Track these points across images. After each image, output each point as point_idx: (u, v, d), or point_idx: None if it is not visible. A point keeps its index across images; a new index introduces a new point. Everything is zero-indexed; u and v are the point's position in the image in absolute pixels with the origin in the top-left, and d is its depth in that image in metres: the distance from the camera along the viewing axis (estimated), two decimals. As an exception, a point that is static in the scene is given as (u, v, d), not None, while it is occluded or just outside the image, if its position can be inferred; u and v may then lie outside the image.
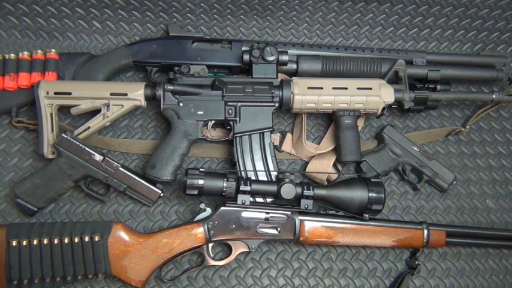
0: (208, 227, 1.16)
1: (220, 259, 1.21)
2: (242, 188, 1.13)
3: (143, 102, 1.25)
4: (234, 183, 1.13)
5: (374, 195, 1.14)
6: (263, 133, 1.26)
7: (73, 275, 1.13)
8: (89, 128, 1.25)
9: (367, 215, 1.17)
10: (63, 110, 1.33)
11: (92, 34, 1.44)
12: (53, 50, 1.31)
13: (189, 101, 1.25)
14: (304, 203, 1.15)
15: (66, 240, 1.12)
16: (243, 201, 1.14)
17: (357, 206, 1.15)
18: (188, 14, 1.44)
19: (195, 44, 1.34)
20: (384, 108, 1.28)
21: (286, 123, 1.42)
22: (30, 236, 1.11)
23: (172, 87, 1.23)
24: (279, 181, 1.14)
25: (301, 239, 1.18)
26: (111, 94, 1.23)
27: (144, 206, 1.30)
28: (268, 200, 1.22)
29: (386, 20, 1.51)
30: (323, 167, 1.33)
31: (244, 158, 1.25)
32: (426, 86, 1.38)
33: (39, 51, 1.31)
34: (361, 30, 1.52)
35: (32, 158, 1.32)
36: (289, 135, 1.38)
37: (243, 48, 1.33)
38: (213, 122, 1.27)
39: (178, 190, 1.32)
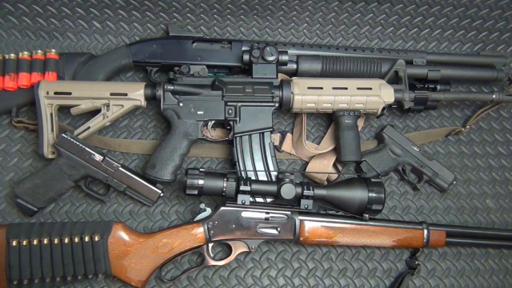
0: (208, 227, 1.16)
1: (220, 259, 1.21)
2: (242, 188, 1.13)
3: (143, 102, 1.25)
4: (234, 183, 1.13)
5: (374, 195, 1.14)
6: (263, 133, 1.26)
7: (73, 275, 1.13)
8: (89, 128, 1.25)
9: (367, 215, 1.17)
10: (63, 110, 1.33)
11: (92, 34, 1.44)
12: (53, 50, 1.31)
13: (189, 101, 1.25)
14: (304, 203, 1.15)
15: (66, 240, 1.12)
16: (243, 201, 1.14)
17: (357, 206, 1.15)
18: (188, 14, 1.44)
19: (195, 44, 1.34)
20: (384, 108, 1.28)
21: (286, 123, 1.42)
22: (30, 236, 1.11)
23: (172, 87, 1.23)
24: (279, 181, 1.14)
25: (301, 239, 1.18)
26: (111, 94, 1.23)
27: (144, 206, 1.30)
28: (268, 200, 1.22)
29: (387, 20, 1.51)
30: (323, 167, 1.33)
31: (244, 158, 1.25)
32: (426, 86, 1.38)
33: (39, 51, 1.31)
34: (361, 30, 1.52)
35: (32, 158, 1.32)
36: (289, 135, 1.38)
37: (243, 48, 1.33)
38: (213, 122, 1.27)
39: (178, 190, 1.32)
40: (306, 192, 1.14)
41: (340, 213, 1.21)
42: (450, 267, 1.32)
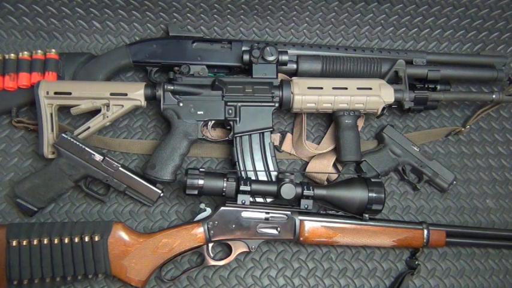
0: (208, 227, 1.16)
1: (220, 259, 1.21)
2: (242, 188, 1.13)
3: (143, 102, 1.25)
4: (234, 183, 1.13)
5: (374, 195, 1.14)
6: (263, 133, 1.26)
7: (73, 275, 1.13)
8: (89, 128, 1.25)
9: (367, 215, 1.17)
10: (63, 110, 1.33)
11: (92, 34, 1.44)
12: (53, 50, 1.31)
13: (189, 101, 1.25)
14: (304, 203, 1.15)
15: (66, 240, 1.12)
16: (243, 201, 1.14)
17: (357, 206, 1.15)
18: (188, 14, 1.44)
19: (195, 44, 1.34)
20: (383, 108, 1.28)
21: (286, 123, 1.42)
22: (30, 236, 1.11)
23: (172, 87, 1.23)
24: (279, 181, 1.14)
25: (301, 239, 1.18)
26: (111, 94, 1.23)
27: (144, 206, 1.30)
28: (268, 200, 1.22)
29: (387, 20, 1.51)
30: (323, 167, 1.33)
31: (244, 158, 1.25)
32: (426, 86, 1.38)
33: (39, 51, 1.31)
34: (361, 30, 1.52)
35: (32, 158, 1.32)
36: (289, 135, 1.38)
37: (243, 48, 1.33)
38: (213, 122, 1.27)
39: (178, 190, 1.32)
40: (306, 192, 1.14)
41: (340, 213, 1.21)
42: (450, 267, 1.32)
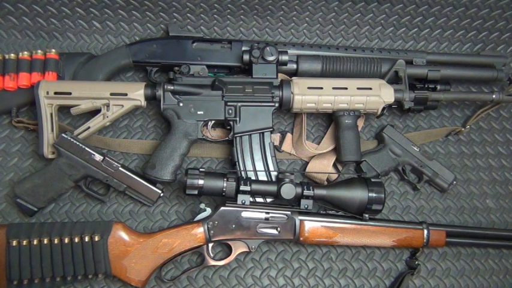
0: (208, 227, 1.16)
1: (220, 259, 1.21)
2: (242, 188, 1.13)
3: (143, 102, 1.25)
4: (234, 183, 1.13)
5: (374, 195, 1.14)
6: (263, 133, 1.26)
7: (73, 275, 1.13)
8: (89, 128, 1.25)
9: (367, 215, 1.17)
10: (63, 110, 1.33)
11: (92, 34, 1.44)
12: (53, 50, 1.31)
13: (189, 101, 1.25)
14: (304, 203, 1.15)
15: (66, 240, 1.12)
16: (243, 201, 1.14)
17: (357, 206, 1.15)
18: (188, 14, 1.44)
19: (195, 44, 1.34)
20: (383, 108, 1.28)
21: (286, 123, 1.42)
22: (30, 236, 1.11)
23: (172, 87, 1.23)
24: (279, 181, 1.14)
25: (301, 239, 1.18)
26: (111, 94, 1.23)
27: (144, 206, 1.30)
28: (268, 200, 1.22)
29: (387, 20, 1.51)
30: (323, 167, 1.33)
31: (244, 158, 1.25)
32: (426, 86, 1.38)
33: (39, 51, 1.31)
34: (361, 30, 1.52)
35: (32, 158, 1.32)
36: (289, 135, 1.38)
37: (243, 48, 1.33)
38: (213, 122, 1.27)
39: (178, 190, 1.32)
40: (306, 192, 1.14)
41: (340, 213, 1.21)
42: (450, 267, 1.32)
